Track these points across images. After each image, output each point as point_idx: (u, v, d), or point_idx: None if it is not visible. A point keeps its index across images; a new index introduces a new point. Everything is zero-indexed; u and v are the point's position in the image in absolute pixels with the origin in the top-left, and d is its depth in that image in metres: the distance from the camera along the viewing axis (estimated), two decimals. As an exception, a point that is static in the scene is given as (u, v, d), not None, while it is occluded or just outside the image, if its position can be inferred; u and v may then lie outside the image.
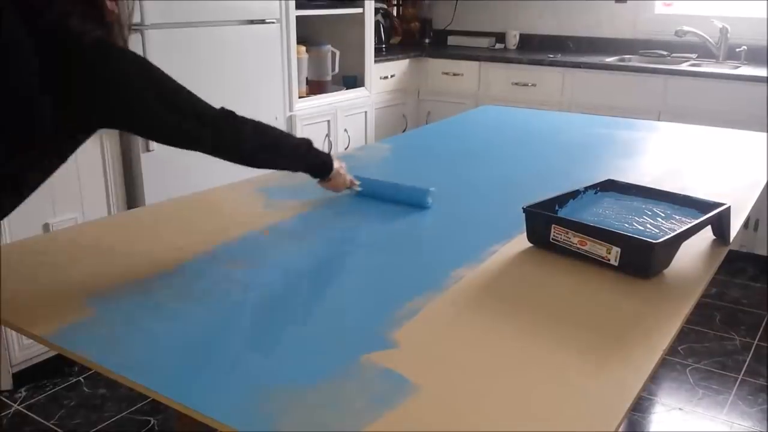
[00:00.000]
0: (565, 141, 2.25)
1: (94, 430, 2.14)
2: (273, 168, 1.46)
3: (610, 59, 3.70)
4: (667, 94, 3.37)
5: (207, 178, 2.15)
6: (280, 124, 3.08)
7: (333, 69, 3.45)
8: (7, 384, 2.31)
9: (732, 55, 3.61)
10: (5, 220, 2.17)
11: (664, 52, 3.78)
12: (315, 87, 3.36)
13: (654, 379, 2.37)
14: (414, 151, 2.12)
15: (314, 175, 1.53)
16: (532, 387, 0.89)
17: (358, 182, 1.61)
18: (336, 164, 1.54)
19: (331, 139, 3.43)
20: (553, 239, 1.30)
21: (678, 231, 1.25)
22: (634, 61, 3.75)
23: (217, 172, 2.33)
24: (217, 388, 0.87)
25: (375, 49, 3.69)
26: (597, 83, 3.56)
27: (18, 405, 2.25)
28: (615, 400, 0.86)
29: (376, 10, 3.95)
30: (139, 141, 2.46)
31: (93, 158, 2.39)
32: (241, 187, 1.72)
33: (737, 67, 3.45)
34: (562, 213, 1.38)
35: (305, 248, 1.38)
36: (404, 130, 4.00)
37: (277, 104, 3.03)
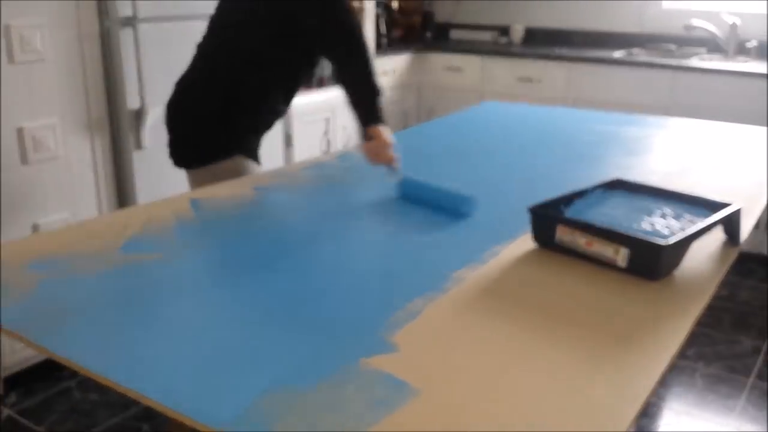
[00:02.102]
0: (571, 138, 2.22)
1: (86, 435, 2.11)
2: (353, 90, 1.75)
3: (617, 54, 3.65)
4: (675, 90, 3.32)
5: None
6: (279, 124, 3.02)
7: (332, 64, 3.40)
8: (-2, 388, 2.27)
9: (741, 50, 3.57)
10: (4, 220, 2.15)
11: (672, 47, 3.72)
12: (314, 83, 3.31)
13: (663, 382, 2.32)
14: (415, 149, 2.09)
15: (366, 119, 1.71)
16: (537, 392, 0.86)
17: (398, 162, 1.66)
18: (386, 130, 1.69)
19: (329, 136, 3.38)
20: (558, 240, 1.24)
21: (688, 232, 1.20)
22: (642, 55, 3.69)
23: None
24: (211, 393, 0.85)
25: (375, 43, 3.64)
26: (603, 78, 3.50)
27: (9, 410, 2.23)
28: (623, 404, 0.84)
29: (377, 4, 3.89)
30: (131, 139, 2.42)
31: (83, 157, 2.34)
32: (239, 187, 1.68)
33: (746, 62, 3.39)
34: (569, 213, 1.33)
35: (303, 248, 1.34)
36: (405, 127, 3.95)
37: (274, 100, 2.98)
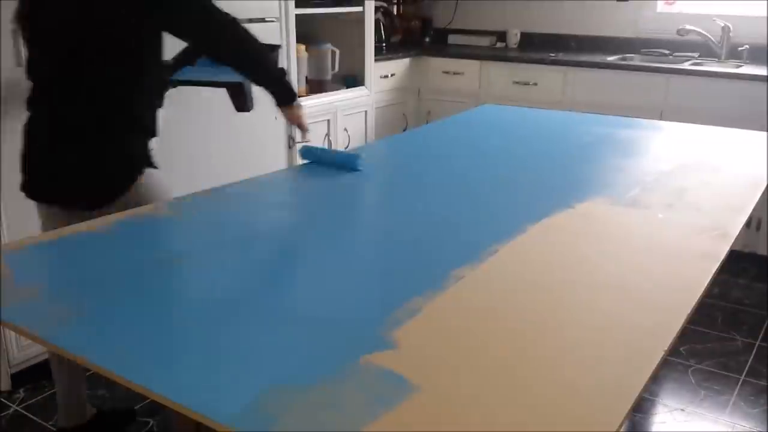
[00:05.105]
0: (567, 140, 2.25)
1: (93, 430, 2.13)
2: (249, 73, 1.83)
3: (611, 58, 3.68)
4: (669, 93, 3.36)
5: (207, 178, 2.15)
6: (280, 124, 3.07)
7: (333, 68, 3.44)
8: (6, 384, 2.29)
9: (734, 54, 3.60)
10: (4, 220, 2.17)
11: (666, 51, 3.76)
12: (315, 86, 3.36)
13: (656, 379, 2.36)
14: (414, 151, 2.12)
15: (281, 99, 1.85)
16: (532, 388, 0.88)
17: (308, 129, 1.94)
18: (298, 105, 1.89)
19: (330, 138, 3.42)
20: None
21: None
22: (636, 60, 3.74)
23: (219, 172, 2.32)
24: (215, 388, 0.87)
25: (375, 47, 3.68)
26: (598, 82, 3.54)
27: (16, 406, 2.24)
28: (616, 400, 0.85)
29: (376, 9, 3.93)
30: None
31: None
32: (243, 187, 1.71)
33: (739, 66, 3.43)
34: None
35: (303, 247, 1.37)
36: (404, 130, 3.99)
37: (276, 103, 3.02)
